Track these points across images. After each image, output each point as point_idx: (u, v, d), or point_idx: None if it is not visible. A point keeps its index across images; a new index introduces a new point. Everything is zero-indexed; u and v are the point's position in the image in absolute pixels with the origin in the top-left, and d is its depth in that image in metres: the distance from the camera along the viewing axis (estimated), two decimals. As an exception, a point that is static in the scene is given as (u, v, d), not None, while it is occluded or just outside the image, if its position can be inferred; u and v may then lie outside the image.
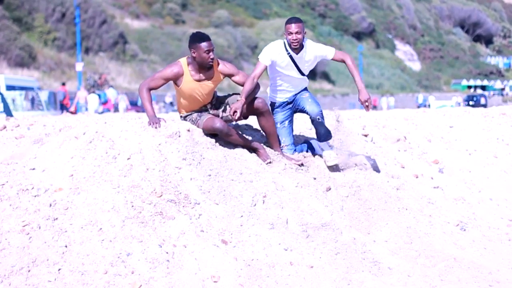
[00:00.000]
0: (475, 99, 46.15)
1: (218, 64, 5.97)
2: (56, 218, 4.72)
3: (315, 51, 6.23)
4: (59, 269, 4.38)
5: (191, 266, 4.62)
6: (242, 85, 6.02)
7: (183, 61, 5.92)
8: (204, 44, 5.70)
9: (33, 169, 5.19)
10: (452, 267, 5.44)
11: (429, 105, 44.22)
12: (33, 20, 45.45)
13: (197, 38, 5.73)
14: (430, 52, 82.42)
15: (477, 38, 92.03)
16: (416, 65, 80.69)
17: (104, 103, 28.99)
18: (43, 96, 23.55)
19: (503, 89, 70.72)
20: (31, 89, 24.03)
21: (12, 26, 41.67)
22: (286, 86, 6.37)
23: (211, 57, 5.75)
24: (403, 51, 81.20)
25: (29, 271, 4.32)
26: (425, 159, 7.56)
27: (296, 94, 6.41)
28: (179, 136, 5.84)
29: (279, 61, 6.17)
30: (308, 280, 4.84)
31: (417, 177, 7.04)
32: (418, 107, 42.82)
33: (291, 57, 6.15)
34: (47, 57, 43.48)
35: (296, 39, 5.99)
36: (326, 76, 66.11)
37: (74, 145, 5.44)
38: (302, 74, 6.30)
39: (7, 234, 4.53)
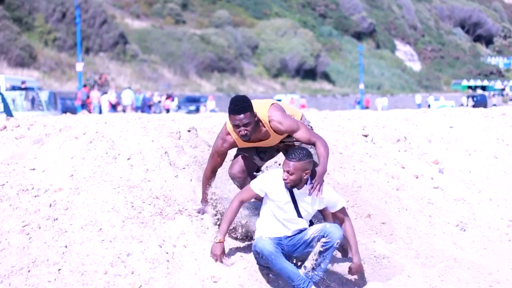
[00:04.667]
0: (475, 99, 46.06)
1: (270, 120, 4.73)
2: (56, 218, 4.72)
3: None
4: (59, 269, 4.38)
5: (191, 266, 4.62)
6: (306, 142, 4.78)
7: (229, 125, 4.82)
8: (232, 117, 4.63)
9: (33, 169, 5.19)
10: (452, 267, 5.44)
11: (429, 105, 44.19)
12: (33, 20, 45.40)
13: (229, 107, 4.66)
14: (430, 52, 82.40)
15: (477, 38, 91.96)
16: (416, 65, 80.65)
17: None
18: (43, 96, 23.54)
19: (503, 90, 70.65)
20: (31, 89, 24.03)
21: (12, 26, 41.63)
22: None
23: (241, 133, 4.63)
24: (403, 51, 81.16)
25: (29, 271, 4.32)
26: (425, 160, 7.57)
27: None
28: (179, 137, 5.85)
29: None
30: (308, 280, 4.83)
31: (417, 177, 7.04)
32: (427, 106, 42.71)
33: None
34: (47, 57, 43.44)
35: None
36: (326, 76, 66.09)
37: (74, 145, 5.44)
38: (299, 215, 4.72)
39: (7, 234, 4.53)
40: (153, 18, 59.40)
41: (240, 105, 4.57)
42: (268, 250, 4.49)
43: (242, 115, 4.55)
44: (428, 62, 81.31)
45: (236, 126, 4.61)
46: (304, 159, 4.52)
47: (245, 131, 4.60)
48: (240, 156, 4.98)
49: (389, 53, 77.64)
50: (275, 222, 4.67)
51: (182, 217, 4.98)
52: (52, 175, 5.14)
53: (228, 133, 4.80)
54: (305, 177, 4.56)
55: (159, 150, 5.49)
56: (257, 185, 4.68)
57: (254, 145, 4.87)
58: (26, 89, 22.74)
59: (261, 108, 4.72)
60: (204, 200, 5.05)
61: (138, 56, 50.71)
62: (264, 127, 4.72)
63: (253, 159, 5.00)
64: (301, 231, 4.66)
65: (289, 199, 4.60)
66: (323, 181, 4.65)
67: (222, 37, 57.23)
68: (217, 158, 4.92)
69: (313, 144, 4.72)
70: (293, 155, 4.54)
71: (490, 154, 8.07)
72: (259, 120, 4.69)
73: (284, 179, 4.55)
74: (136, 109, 29.39)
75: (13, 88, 22.75)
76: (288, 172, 4.51)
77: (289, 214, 4.62)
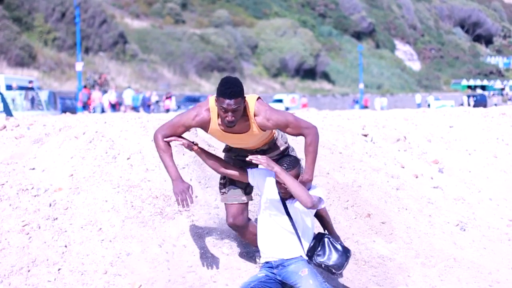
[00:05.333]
0: (475, 99, 46.02)
1: (255, 115, 4.26)
2: (56, 218, 4.72)
3: None
4: (59, 269, 4.38)
5: (191, 266, 4.62)
6: (296, 135, 4.40)
7: (212, 102, 4.30)
8: (221, 100, 4.13)
9: (33, 169, 5.19)
10: (452, 267, 5.44)
11: (429, 105, 44.21)
12: (33, 20, 45.42)
13: (220, 88, 4.16)
14: (430, 52, 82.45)
15: (477, 38, 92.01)
16: (416, 65, 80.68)
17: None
18: (43, 96, 23.57)
19: (503, 89, 70.67)
20: (32, 89, 24.09)
21: (12, 26, 41.64)
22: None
23: (228, 119, 4.15)
24: (403, 51, 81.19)
25: (29, 271, 4.32)
26: (425, 159, 7.57)
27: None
28: (179, 136, 5.84)
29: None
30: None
31: (417, 177, 7.04)
32: (427, 106, 42.72)
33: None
34: (47, 57, 43.46)
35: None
36: (326, 76, 66.10)
37: (74, 145, 5.44)
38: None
39: (7, 234, 4.53)
40: (153, 18, 59.42)
41: (233, 89, 4.11)
42: None
43: (233, 100, 4.10)
44: (427, 62, 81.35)
45: (223, 110, 4.13)
46: (296, 166, 4.36)
47: (232, 117, 4.14)
48: (230, 205, 4.61)
49: (388, 52, 77.68)
50: (268, 233, 4.42)
51: (182, 217, 4.99)
52: (52, 175, 5.14)
53: (208, 110, 4.28)
54: None
55: (159, 150, 5.49)
56: (253, 172, 4.51)
57: (226, 138, 4.41)
58: (32, 88, 23.06)
59: (250, 99, 4.29)
60: (175, 176, 4.30)
61: (138, 56, 50.73)
62: (247, 118, 4.26)
63: (241, 200, 4.62)
64: (288, 263, 4.35)
65: (281, 205, 4.39)
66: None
67: (221, 37, 57.24)
68: (178, 129, 4.33)
69: (303, 136, 4.32)
70: (285, 165, 4.32)
71: (490, 154, 8.07)
72: (245, 110, 4.24)
73: (282, 193, 4.31)
74: (134, 108, 29.49)
75: (20, 88, 23.02)
76: (284, 183, 4.26)
77: (278, 213, 4.40)
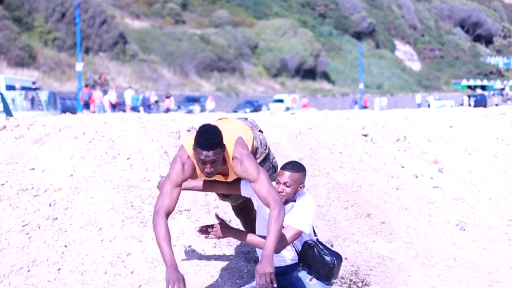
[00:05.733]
0: (475, 99, 45.99)
1: (233, 158, 4.01)
2: (56, 218, 4.73)
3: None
4: (59, 269, 4.38)
5: (190, 266, 4.62)
6: (260, 198, 4.01)
7: (190, 150, 4.02)
8: (199, 151, 3.88)
9: (33, 169, 5.20)
10: (452, 267, 5.44)
11: (429, 105, 44.21)
12: (33, 20, 45.43)
13: (197, 138, 3.91)
14: (430, 52, 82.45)
15: (477, 38, 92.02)
16: (416, 65, 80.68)
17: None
18: (43, 96, 23.60)
19: (503, 89, 70.66)
20: (33, 89, 24.14)
21: (12, 26, 41.66)
22: None
23: (207, 170, 3.92)
24: (403, 51, 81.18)
25: (28, 271, 4.32)
26: (425, 159, 7.56)
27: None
28: (179, 137, 5.85)
29: None
30: (307, 280, 4.83)
31: (416, 177, 7.04)
32: (427, 106, 42.72)
33: None
34: (47, 57, 43.47)
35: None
36: (326, 76, 66.09)
37: (74, 145, 5.44)
38: None
39: (7, 234, 4.54)
40: (153, 18, 59.41)
41: (211, 140, 3.85)
42: None
43: (212, 152, 3.84)
44: (427, 62, 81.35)
45: (202, 162, 3.89)
46: (301, 171, 4.19)
47: (211, 169, 3.91)
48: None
49: (388, 53, 77.68)
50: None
51: (181, 217, 4.99)
52: (51, 175, 5.14)
53: (189, 157, 4.01)
54: (299, 191, 4.20)
55: (158, 150, 5.50)
56: (245, 184, 4.28)
57: (205, 179, 4.19)
58: (36, 89, 23.19)
59: (228, 142, 4.00)
60: (171, 262, 3.79)
61: (138, 56, 50.74)
62: (225, 162, 4.03)
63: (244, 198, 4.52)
64: (292, 269, 4.27)
65: None
66: (271, 272, 3.74)
67: (222, 37, 57.23)
68: (173, 193, 3.96)
69: (267, 206, 3.93)
70: (290, 165, 4.16)
71: (490, 154, 8.07)
72: (224, 156, 4.00)
73: (279, 192, 4.09)
74: (133, 108, 29.58)
75: (23, 88, 23.16)
76: (285, 184, 4.10)
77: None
